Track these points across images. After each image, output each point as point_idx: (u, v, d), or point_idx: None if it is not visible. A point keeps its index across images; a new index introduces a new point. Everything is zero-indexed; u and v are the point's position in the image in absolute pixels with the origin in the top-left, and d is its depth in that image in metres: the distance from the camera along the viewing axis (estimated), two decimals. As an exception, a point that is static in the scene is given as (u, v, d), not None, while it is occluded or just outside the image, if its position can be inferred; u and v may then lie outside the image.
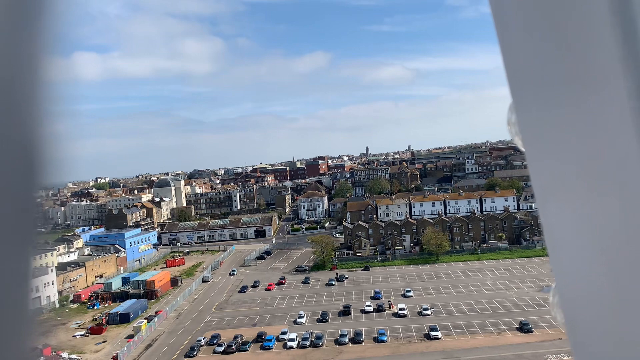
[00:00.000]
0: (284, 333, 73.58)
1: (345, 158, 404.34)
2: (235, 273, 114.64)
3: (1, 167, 1.02)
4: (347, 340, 70.02)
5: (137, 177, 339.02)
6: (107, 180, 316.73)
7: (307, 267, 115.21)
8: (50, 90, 1.08)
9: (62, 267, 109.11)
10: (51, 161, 1.09)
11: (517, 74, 1.25)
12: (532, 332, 68.59)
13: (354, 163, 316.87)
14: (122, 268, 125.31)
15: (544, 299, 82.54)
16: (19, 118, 1.05)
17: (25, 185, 1.07)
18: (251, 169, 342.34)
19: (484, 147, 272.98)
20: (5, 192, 1.03)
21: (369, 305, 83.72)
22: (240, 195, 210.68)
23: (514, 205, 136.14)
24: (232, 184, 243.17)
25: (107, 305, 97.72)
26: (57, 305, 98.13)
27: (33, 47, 1.06)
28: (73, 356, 72.08)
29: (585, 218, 1.09)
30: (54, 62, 1.08)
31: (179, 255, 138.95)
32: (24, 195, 1.06)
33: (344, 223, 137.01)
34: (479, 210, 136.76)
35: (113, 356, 70.55)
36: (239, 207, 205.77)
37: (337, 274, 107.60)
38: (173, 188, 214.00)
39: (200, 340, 73.80)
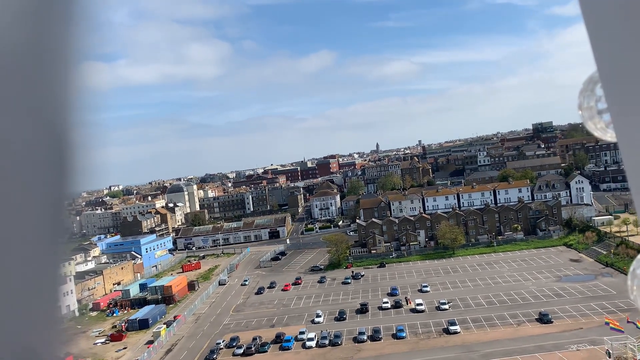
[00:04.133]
0: (302, 333, 73.61)
1: (356, 156, 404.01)
2: (247, 283, 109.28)
3: (34, 173, 1.05)
4: (365, 337, 69.88)
5: (150, 183, 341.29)
6: (120, 188, 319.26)
7: (322, 267, 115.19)
8: (80, 98, 1.11)
9: (80, 276, 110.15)
10: (81, 168, 1.12)
11: (611, 62, 1.20)
12: (551, 322, 67.98)
13: (365, 160, 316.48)
14: (139, 274, 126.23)
15: (562, 289, 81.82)
16: (52, 125, 1.08)
17: (57, 191, 1.09)
18: (262, 170, 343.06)
19: (495, 138, 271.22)
20: (37, 199, 1.05)
21: (386, 302, 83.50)
22: (252, 198, 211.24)
23: (528, 196, 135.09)
24: (244, 187, 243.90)
25: (125, 312, 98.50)
26: (77, 313, 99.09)
27: (65, 55, 1.08)
28: (95, 363, 72.73)
29: None
30: (84, 70, 1.10)
31: (195, 260, 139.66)
32: (55, 202, 1.09)
33: (357, 221, 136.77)
34: (493, 202, 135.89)
35: (134, 362, 71.11)
36: (252, 209, 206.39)
37: (352, 272, 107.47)
38: (186, 193, 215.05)
39: (220, 343, 74.09)
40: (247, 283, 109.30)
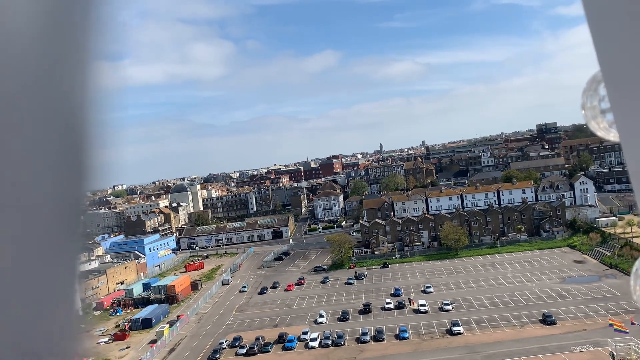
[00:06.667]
0: (305, 333, 73.63)
1: (359, 156, 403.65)
2: (245, 290, 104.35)
3: (52, 171, 1.06)
4: (368, 338, 69.86)
5: (154, 183, 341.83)
6: (124, 188, 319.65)
7: (325, 267, 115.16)
8: (98, 97, 1.12)
9: (83, 275, 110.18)
10: (98, 166, 1.13)
11: (614, 61, 1.19)
12: (555, 324, 67.80)
13: (368, 161, 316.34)
14: (142, 274, 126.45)
15: (566, 290, 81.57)
16: (70, 124, 1.09)
17: (74, 189, 1.10)
18: (266, 170, 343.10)
19: (499, 139, 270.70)
20: (56, 196, 1.06)
21: (389, 303, 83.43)
22: (256, 198, 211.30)
23: (532, 197, 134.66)
24: (247, 187, 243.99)
25: (129, 311, 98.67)
26: (80, 312, 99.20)
27: (82, 54, 1.09)
28: (98, 363, 72.81)
29: None
30: (103, 69, 1.11)
31: (198, 259, 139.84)
32: (72, 199, 1.10)
33: (360, 221, 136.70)
34: (497, 203, 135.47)
35: (137, 361, 71.23)
36: (255, 209, 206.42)
37: (355, 272, 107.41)
38: (189, 193, 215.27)
39: (223, 342, 74.17)
40: (245, 290, 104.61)
